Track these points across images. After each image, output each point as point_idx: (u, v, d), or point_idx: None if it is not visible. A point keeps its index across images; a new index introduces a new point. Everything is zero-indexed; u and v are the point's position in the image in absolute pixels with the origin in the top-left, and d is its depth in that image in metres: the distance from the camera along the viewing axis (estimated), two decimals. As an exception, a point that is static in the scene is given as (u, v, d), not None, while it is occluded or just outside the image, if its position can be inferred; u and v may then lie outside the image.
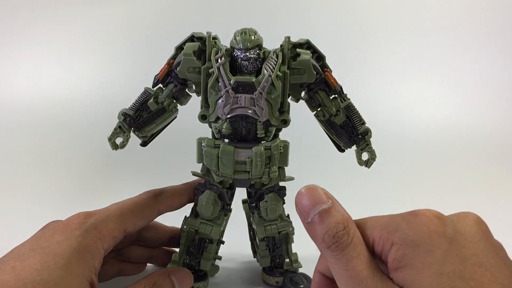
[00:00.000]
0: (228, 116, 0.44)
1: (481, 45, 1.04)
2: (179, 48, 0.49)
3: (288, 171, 0.49)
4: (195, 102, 0.50)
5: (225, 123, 0.44)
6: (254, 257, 0.57)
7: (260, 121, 0.44)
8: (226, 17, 0.90)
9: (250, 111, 0.43)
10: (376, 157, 0.48)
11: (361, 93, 0.90)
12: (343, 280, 0.28)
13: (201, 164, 0.50)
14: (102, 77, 0.97)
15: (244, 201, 0.54)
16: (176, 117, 0.50)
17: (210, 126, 0.48)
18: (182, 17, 0.97)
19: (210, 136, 0.50)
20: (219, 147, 0.45)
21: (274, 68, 0.43)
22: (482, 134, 0.96)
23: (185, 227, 0.50)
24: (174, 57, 0.49)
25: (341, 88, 0.47)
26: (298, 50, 0.46)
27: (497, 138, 0.96)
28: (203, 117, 0.46)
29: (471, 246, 0.25)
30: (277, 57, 0.44)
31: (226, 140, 0.47)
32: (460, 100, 1.02)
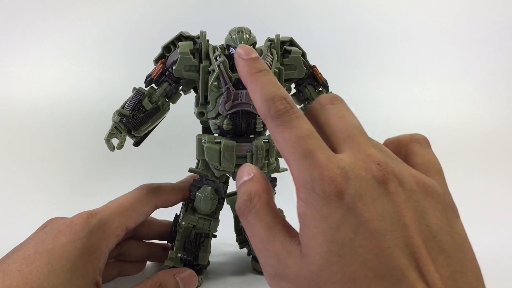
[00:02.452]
0: (229, 112, 0.45)
1: (481, 45, 1.04)
2: (166, 48, 0.49)
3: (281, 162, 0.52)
4: (185, 100, 0.51)
5: (226, 119, 0.46)
6: (241, 248, 0.59)
7: (259, 116, 0.46)
8: (226, 17, 0.91)
9: (250, 107, 0.45)
10: None
11: (361, 94, 0.91)
12: (251, 241, 0.30)
13: (195, 160, 0.51)
14: (102, 77, 0.95)
15: (228, 195, 0.55)
16: (165, 115, 0.50)
17: (206, 123, 0.49)
18: (183, 18, 0.96)
19: (200, 132, 0.51)
20: (220, 142, 0.46)
21: (271, 65, 0.45)
22: (483, 135, 0.96)
23: (183, 223, 0.50)
24: (161, 57, 0.49)
25: (326, 82, 0.51)
26: (286, 47, 0.49)
27: (498, 139, 0.96)
28: (200, 114, 0.47)
29: (368, 211, 0.25)
30: (271, 54, 0.46)
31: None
32: (461, 100, 1.02)
